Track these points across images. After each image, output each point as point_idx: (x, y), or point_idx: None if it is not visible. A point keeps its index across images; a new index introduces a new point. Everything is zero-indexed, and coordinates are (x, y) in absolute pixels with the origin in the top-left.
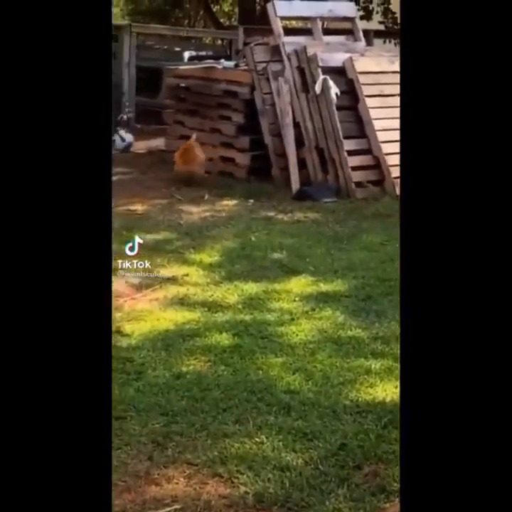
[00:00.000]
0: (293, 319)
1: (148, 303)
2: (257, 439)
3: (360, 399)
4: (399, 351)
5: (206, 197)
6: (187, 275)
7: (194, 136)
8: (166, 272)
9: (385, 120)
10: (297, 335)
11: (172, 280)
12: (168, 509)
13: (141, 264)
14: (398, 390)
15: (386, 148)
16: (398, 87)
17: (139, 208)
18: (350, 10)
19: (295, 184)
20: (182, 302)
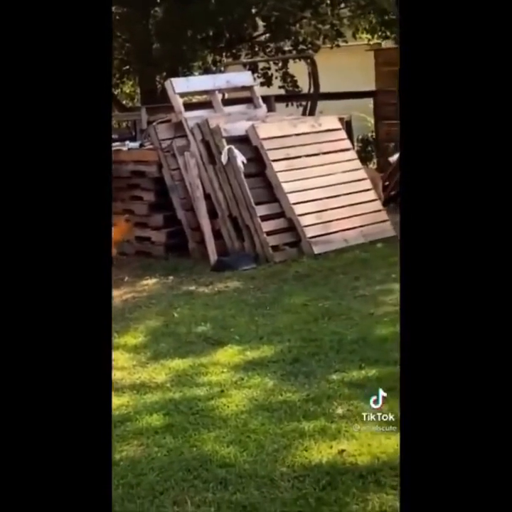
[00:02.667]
0: (223, 391)
1: None
2: None
3: (296, 464)
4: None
5: (126, 279)
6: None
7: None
8: None
9: (294, 182)
10: (228, 406)
11: None
12: None
13: None
14: (333, 450)
15: (298, 209)
16: (303, 148)
17: None
18: (247, 79)
19: (213, 255)
20: None
